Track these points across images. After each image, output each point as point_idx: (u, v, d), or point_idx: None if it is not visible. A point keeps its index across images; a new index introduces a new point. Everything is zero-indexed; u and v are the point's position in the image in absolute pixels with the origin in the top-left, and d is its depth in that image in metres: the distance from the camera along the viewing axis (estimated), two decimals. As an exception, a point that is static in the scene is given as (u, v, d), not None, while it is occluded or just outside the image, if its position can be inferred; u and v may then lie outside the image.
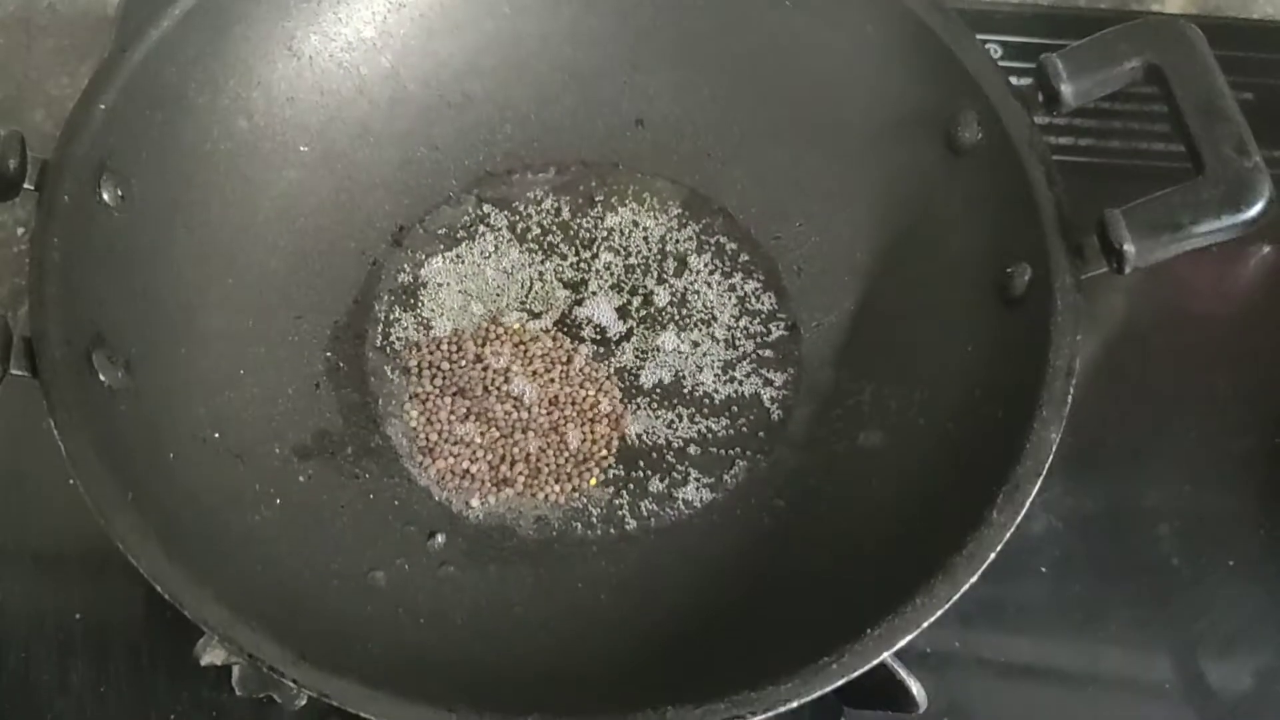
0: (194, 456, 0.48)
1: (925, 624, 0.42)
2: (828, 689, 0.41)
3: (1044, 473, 0.45)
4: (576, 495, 0.54)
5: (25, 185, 0.46)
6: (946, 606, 0.42)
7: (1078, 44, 0.51)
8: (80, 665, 0.55)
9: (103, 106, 0.48)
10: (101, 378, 0.45)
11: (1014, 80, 0.53)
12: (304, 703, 0.53)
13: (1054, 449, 0.45)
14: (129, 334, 0.47)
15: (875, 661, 0.42)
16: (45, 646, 0.55)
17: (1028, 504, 0.44)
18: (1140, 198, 0.48)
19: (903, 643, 0.42)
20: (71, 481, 0.56)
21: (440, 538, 0.51)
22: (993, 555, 0.43)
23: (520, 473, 0.54)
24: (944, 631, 0.56)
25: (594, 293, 0.58)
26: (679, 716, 0.40)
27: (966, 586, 0.43)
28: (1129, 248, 0.47)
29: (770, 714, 0.40)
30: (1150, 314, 0.68)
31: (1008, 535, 0.44)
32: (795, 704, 0.41)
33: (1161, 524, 0.61)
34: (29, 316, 0.44)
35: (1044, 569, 0.59)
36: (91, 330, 0.46)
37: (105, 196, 0.48)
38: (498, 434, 0.54)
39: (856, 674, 0.41)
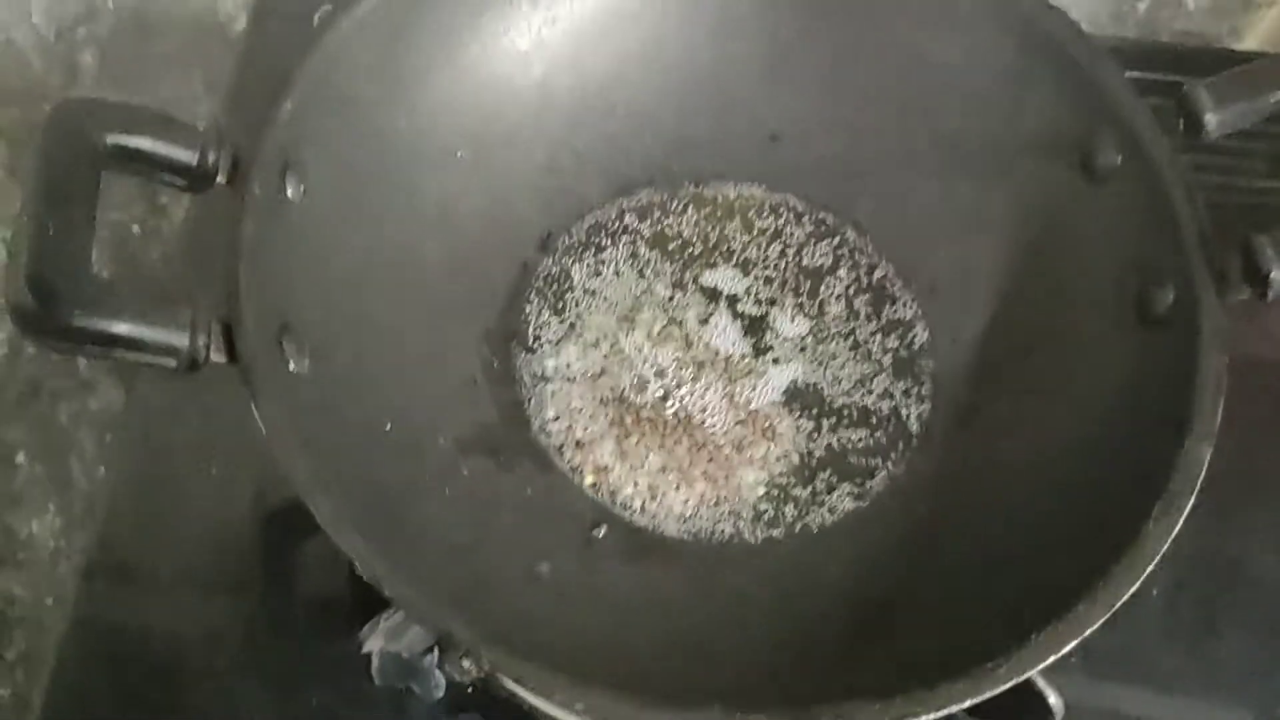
0: (370, 445, 0.49)
1: (1088, 631, 0.43)
2: (996, 691, 0.42)
3: (1198, 488, 0.46)
4: (725, 496, 0.55)
5: (219, 180, 0.48)
6: (1109, 614, 0.44)
7: (1222, 74, 0.52)
8: (226, 650, 0.56)
9: (289, 106, 0.50)
10: (290, 365, 0.47)
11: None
12: (442, 694, 0.55)
13: (1206, 465, 0.47)
14: (311, 324, 0.49)
15: (1041, 667, 0.43)
16: (193, 631, 0.57)
17: (1183, 517, 0.46)
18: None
19: (1067, 648, 0.43)
20: (214, 473, 0.59)
21: (601, 529, 0.53)
22: (1151, 565, 0.45)
23: (670, 471, 0.55)
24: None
25: (733, 301, 0.60)
26: (856, 711, 0.41)
27: (1128, 595, 0.44)
28: (1277, 274, 0.49)
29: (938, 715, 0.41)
30: (1259, 342, 0.69)
31: (1165, 547, 0.45)
32: (967, 704, 0.42)
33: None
34: (227, 303, 0.46)
35: (1155, 590, 0.60)
36: (280, 318, 0.47)
37: (289, 191, 0.50)
38: (646, 433, 0.56)
39: (1022, 678, 0.42)
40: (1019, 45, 0.57)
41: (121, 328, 0.42)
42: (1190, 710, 0.59)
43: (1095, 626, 0.44)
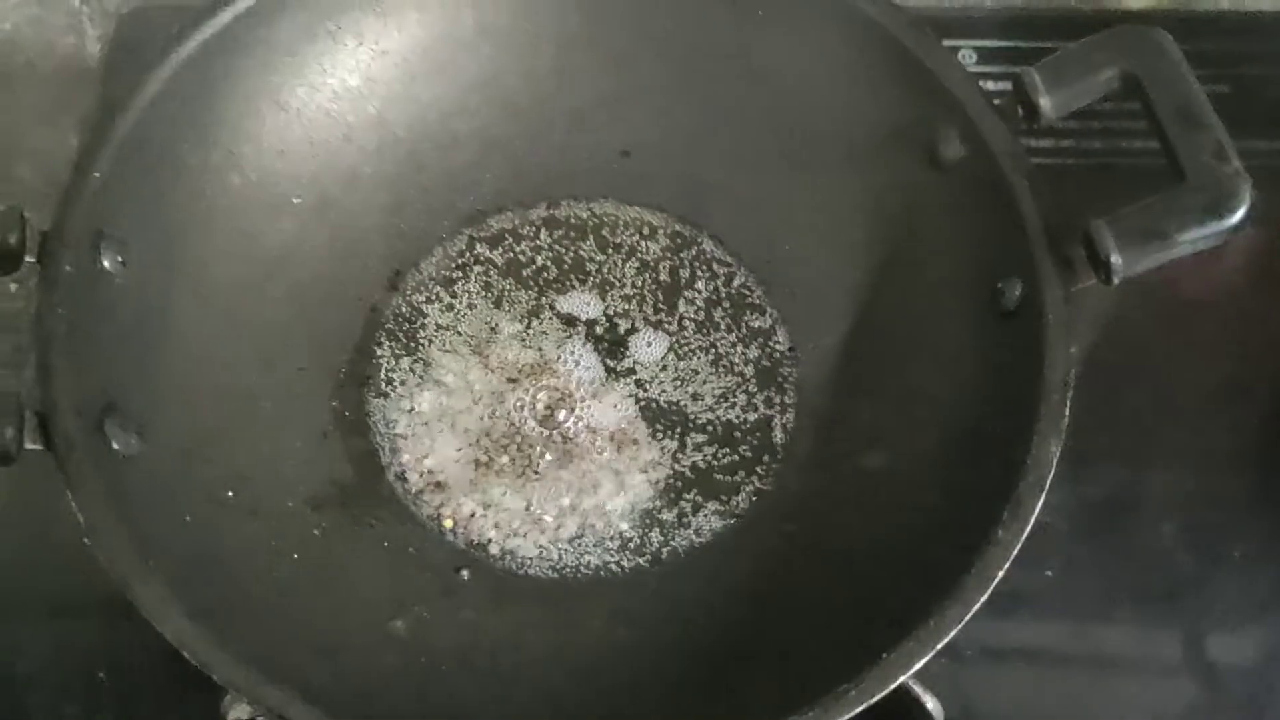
0: (210, 517, 0.48)
1: (939, 645, 0.43)
2: (848, 716, 0.42)
3: (1046, 487, 0.46)
4: (590, 527, 0.54)
5: (26, 258, 0.47)
6: (960, 626, 0.43)
7: (1053, 56, 0.52)
8: (101, 722, 0.55)
9: (97, 175, 0.49)
10: (115, 446, 0.46)
11: (991, 85, 0.54)
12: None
13: (1055, 463, 0.46)
14: (139, 399, 0.48)
15: (893, 686, 0.42)
16: (72, 706, 0.55)
17: (1033, 519, 0.45)
18: (1125, 199, 0.49)
19: (918, 665, 0.43)
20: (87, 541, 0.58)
21: (465, 573, 0.52)
22: (1001, 572, 0.44)
23: (533, 508, 0.54)
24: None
25: (590, 325, 0.59)
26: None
27: (978, 605, 0.44)
28: (1116, 259, 0.48)
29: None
30: (1142, 305, 0.69)
31: (1014, 552, 0.45)
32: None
33: (1164, 518, 0.61)
34: (38, 390, 0.45)
35: (1049, 572, 0.60)
36: (102, 399, 0.46)
37: (105, 263, 0.49)
38: (507, 471, 0.55)
39: (875, 699, 0.42)
40: (853, 43, 0.56)
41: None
42: (1087, 689, 0.58)
43: (946, 640, 0.43)
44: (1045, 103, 0.51)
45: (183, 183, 0.53)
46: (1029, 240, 0.50)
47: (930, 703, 0.49)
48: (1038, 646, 0.59)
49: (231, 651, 0.41)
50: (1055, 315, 0.49)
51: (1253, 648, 0.59)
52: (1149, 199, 0.49)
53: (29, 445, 0.44)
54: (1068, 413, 0.47)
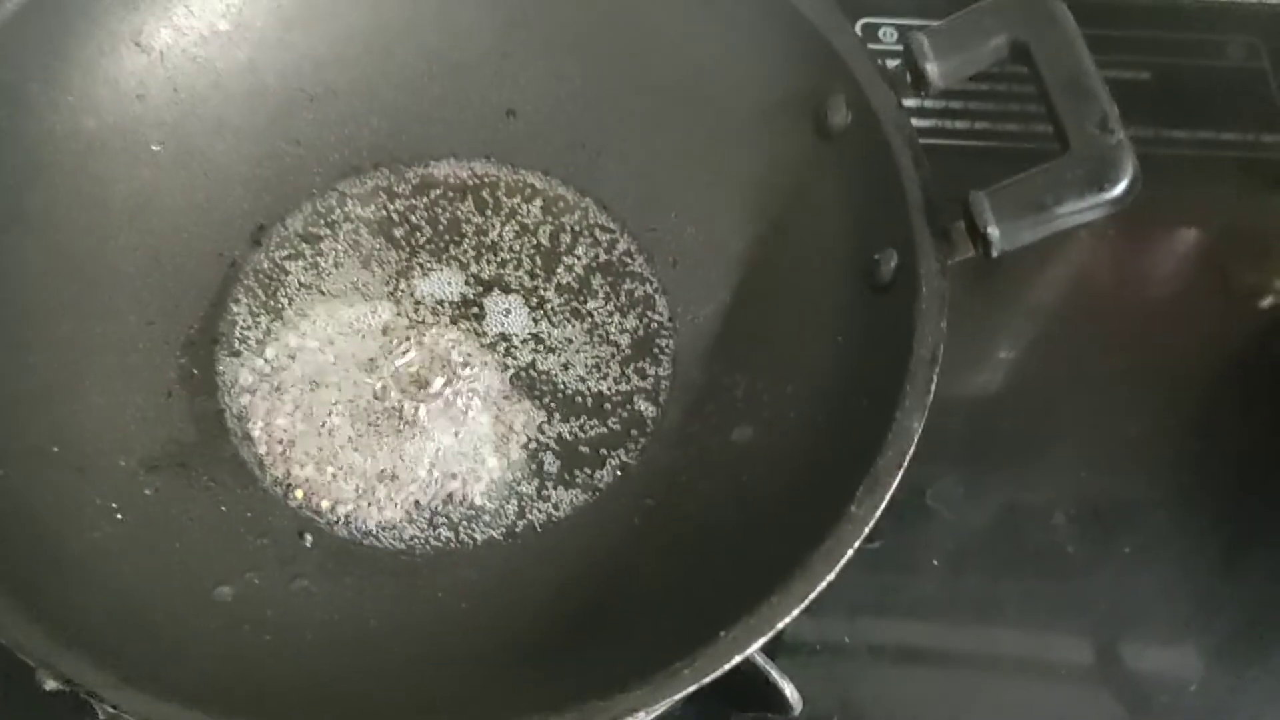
0: (30, 470, 0.46)
1: (781, 624, 0.41)
2: (680, 695, 0.40)
3: (905, 464, 0.44)
4: (444, 498, 0.52)
5: None
6: (804, 605, 0.41)
7: (944, 21, 0.50)
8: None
9: None
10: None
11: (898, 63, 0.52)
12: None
13: (916, 439, 0.44)
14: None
15: (730, 665, 0.40)
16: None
17: (888, 496, 0.43)
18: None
19: (758, 644, 0.41)
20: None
21: (308, 539, 0.50)
22: (851, 551, 0.42)
23: (385, 477, 0.52)
24: (834, 623, 0.56)
25: (463, 288, 0.57)
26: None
27: (824, 584, 0.42)
28: (993, 230, 0.46)
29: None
30: (1043, 304, 0.67)
31: (867, 529, 0.43)
32: (644, 713, 0.39)
33: (1056, 511, 0.60)
34: None
35: (936, 561, 0.59)
36: None
37: None
38: (360, 437, 0.53)
39: (710, 678, 0.40)
40: (747, 7, 0.54)
41: None
42: (973, 684, 0.57)
43: (788, 619, 0.41)
44: (933, 69, 0.50)
45: (31, 122, 0.51)
46: (907, 210, 0.48)
47: (788, 690, 0.48)
48: (921, 642, 0.57)
49: (21, 613, 0.39)
50: (929, 287, 0.47)
51: (1140, 641, 0.58)
52: (1030, 170, 0.47)
53: None
54: (933, 389, 0.45)
